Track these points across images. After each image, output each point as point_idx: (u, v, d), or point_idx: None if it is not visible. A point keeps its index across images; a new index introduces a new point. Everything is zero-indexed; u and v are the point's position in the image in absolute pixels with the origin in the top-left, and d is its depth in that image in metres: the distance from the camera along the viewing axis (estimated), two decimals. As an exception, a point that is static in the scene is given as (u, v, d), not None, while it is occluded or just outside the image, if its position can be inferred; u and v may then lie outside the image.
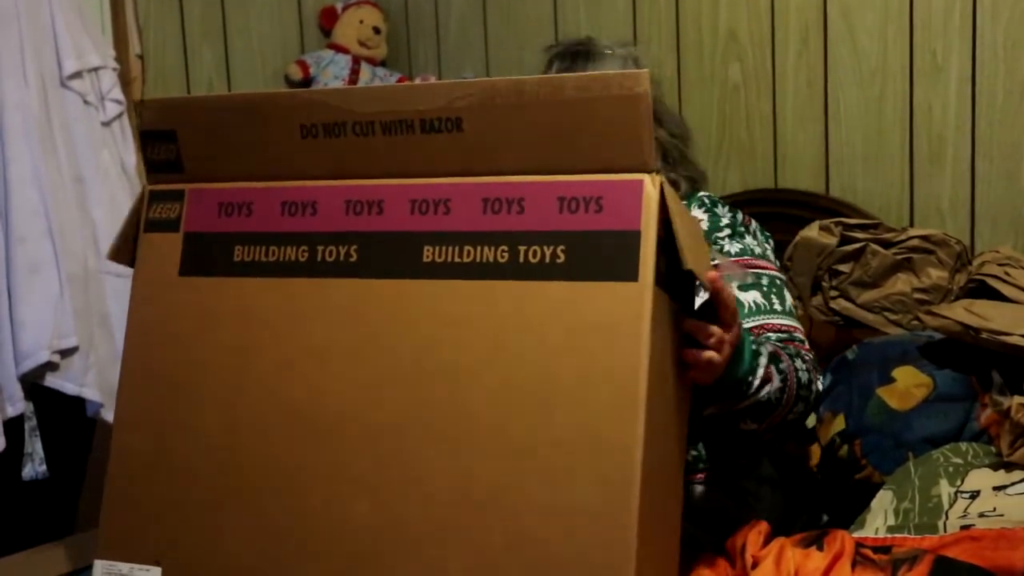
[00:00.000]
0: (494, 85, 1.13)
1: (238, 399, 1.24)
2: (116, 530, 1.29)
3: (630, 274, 1.07)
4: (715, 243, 1.60)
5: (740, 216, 1.64)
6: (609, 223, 1.09)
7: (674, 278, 1.12)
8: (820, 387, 1.50)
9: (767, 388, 1.36)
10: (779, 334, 1.51)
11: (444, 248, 1.15)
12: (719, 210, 1.64)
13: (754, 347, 1.34)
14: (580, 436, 1.07)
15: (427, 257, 1.15)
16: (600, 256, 1.08)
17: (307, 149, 1.22)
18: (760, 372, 1.34)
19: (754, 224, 1.66)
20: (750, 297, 1.54)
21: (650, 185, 1.08)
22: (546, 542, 1.08)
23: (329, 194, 1.22)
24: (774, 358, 1.39)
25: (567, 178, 1.11)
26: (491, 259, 1.12)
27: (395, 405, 1.15)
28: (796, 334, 1.54)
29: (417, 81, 2.93)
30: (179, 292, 1.29)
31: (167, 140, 1.31)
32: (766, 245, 1.65)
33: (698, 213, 1.64)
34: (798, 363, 1.44)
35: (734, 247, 1.60)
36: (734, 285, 1.53)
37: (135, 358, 1.33)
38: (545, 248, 1.11)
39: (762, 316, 1.53)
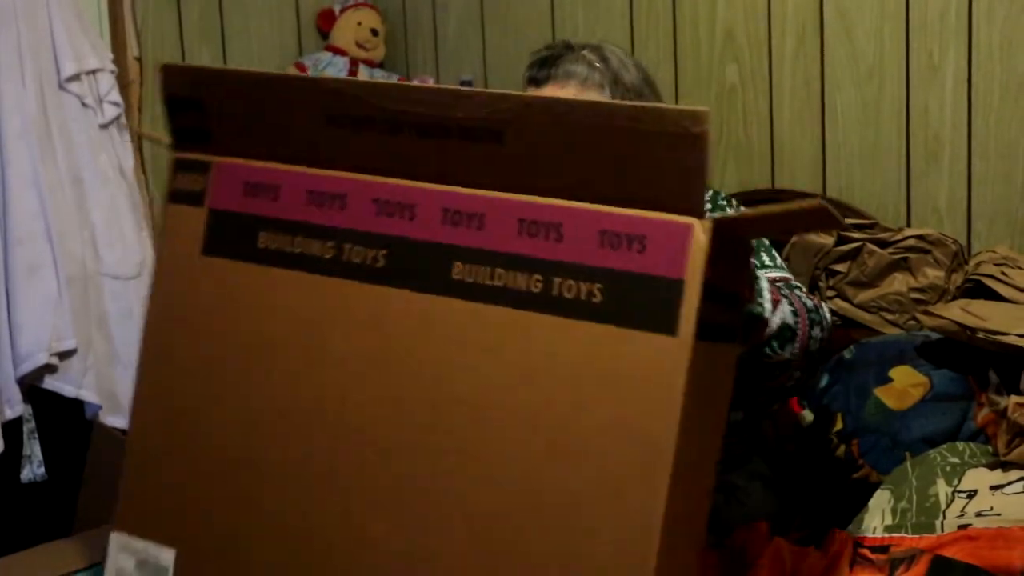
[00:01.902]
0: (540, 102, 1.06)
1: (254, 396, 1.19)
2: (134, 504, 1.27)
3: (669, 327, 0.98)
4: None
5: (723, 195, 1.66)
6: (651, 267, 0.99)
7: (719, 316, 1.03)
8: (828, 315, 1.46)
9: (780, 311, 1.33)
10: (777, 281, 1.51)
11: (475, 267, 1.07)
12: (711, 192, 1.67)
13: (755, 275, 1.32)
14: (599, 490, 1.00)
15: (456, 274, 1.08)
16: (639, 302, 1.00)
17: (333, 138, 1.16)
18: (767, 295, 1.32)
19: (735, 203, 1.68)
20: None
21: (700, 231, 0.98)
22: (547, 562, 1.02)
23: (359, 189, 1.15)
24: (771, 283, 1.37)
25: (610, 209, 1.02)
26: (524, 287, 1.04)
27: (412, 426, 1.09)
28: (792, 282, 1.52)
29: (415, 84, 2.94)
30: (201, 272, 1.24)
31: (193, 108, 1.26)
32: None
33: None
34: (796, 292, 1.43)
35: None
36: None
37: (155, 336, 1.29)
38: (581, 284, 1.02)
39: (760, 270, 1.53)
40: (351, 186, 1.16)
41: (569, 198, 1.04)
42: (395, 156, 1.13)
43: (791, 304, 1.37)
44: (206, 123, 1.25)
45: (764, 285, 1.33)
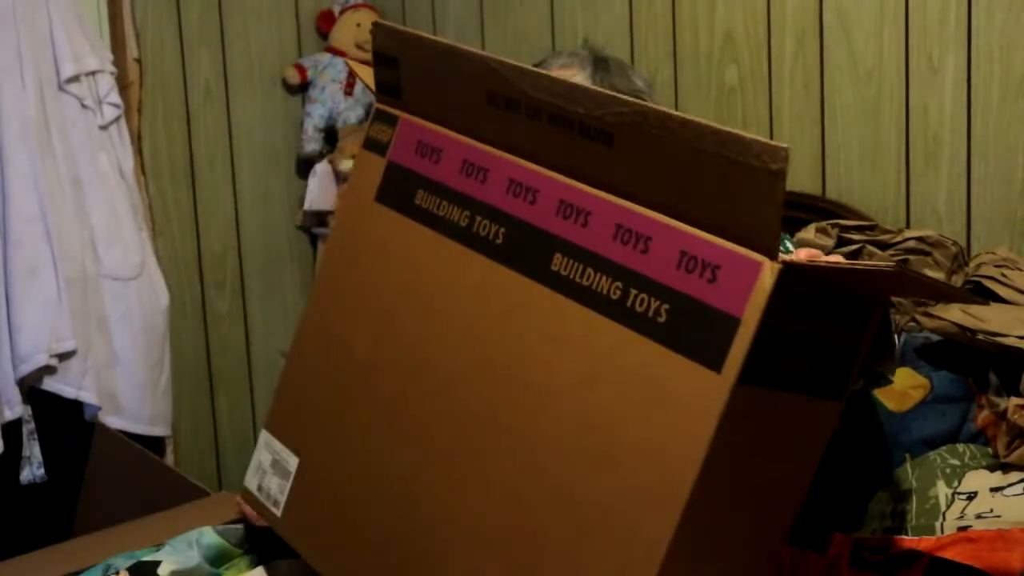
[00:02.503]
0: (646, 110, 1.05)
1: (385, 336, 1.28)
2: (281, 410, 1.41)
3: (716, 363, 0.97)
4: None
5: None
6: (716, 299, 0.98)
7: (792, 364, 1.00)
8: None
9: None
10: None
11: (572, 262, 1.10)
12: None
13: None
14: (622, 505, 1.01)
15: (555, 265, 1.11)
16: (697, 330, 0.99)
17: (488, 115, 1.21)
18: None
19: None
20: None
21: (768, 273, 0.96)
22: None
23: (499, 166, 1.20)
24: None
25: (695, 232, 1.01)
26: (604, 291, 1.06)
27: (485, 398, 1.15)
28: None
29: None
30: (369, 216, 1.34)
31: (391, 66, 1.34)
32: None
33: None
34: None
35: None
36: None
37: (327, 264, 1.42)
38: (653, 301, 1.02)
39: None
40: (493, 162, 1.21)
41: (662, 212, 1.04)
42: (530, 140, 1.17)
43: None
44: (399, 80, 1.34)
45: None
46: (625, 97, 1.08)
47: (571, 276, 1.10)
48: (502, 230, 1.18)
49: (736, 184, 0.98)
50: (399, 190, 1.31)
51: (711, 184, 1.00)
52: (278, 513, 1.35)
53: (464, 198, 1.23)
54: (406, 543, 1.19)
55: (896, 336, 1.18)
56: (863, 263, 0.94)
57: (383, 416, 1.26)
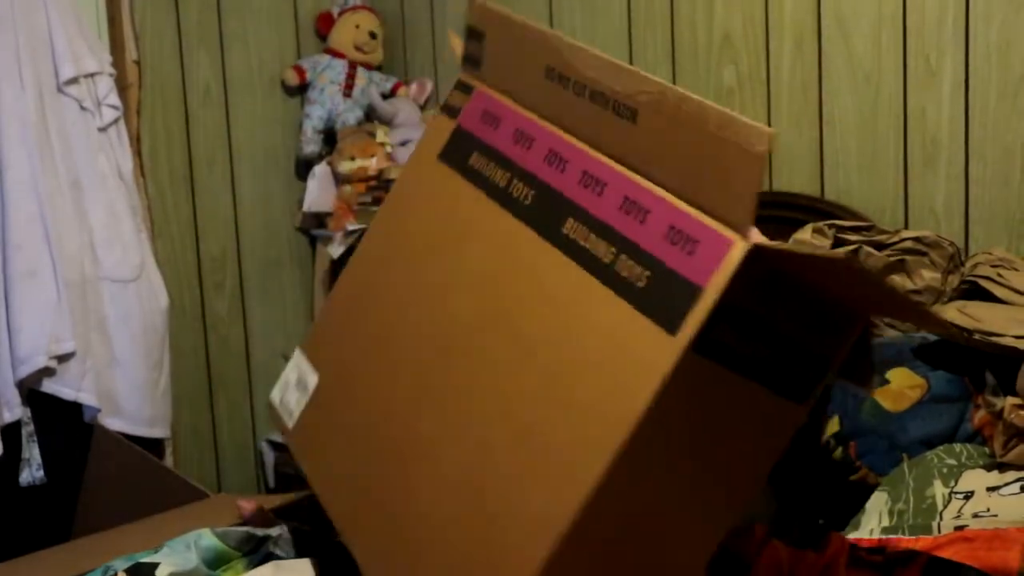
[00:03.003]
0: (667, 91, 1.11)
1: (413, 282, 1.37)
2: (316, 334, 1.53)
3: (673, 327, 1.01)
4: None
5: None
6: (688, 270, 1.03)
7: (751, 348, 1.03)
8: None
9: None
10: None
11: (581, 227, 1.16)
12: None
13: None
14: (564, 450, 1.07)
15: (566, 229, 1.18)
16: (665, 297, 1.03)
17: (544, 88, 1.29)
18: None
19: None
20: None
21: (737, 250, 0.99)
22: (494, 516, 1.10)
23: (543, 136, 1.28)
24: None
25: (687, 208, 1.06)
26: (600, 255, 1.12)
27: (486, 345, 1.22)
28: None
29: (413, 87, 2.94)
30: (431, 172, 1.43)
31: (478, 39, 1.44)
32: None
33: None
34: None
35: None
36: None
37: (384, 211, 1.53)
38: (637, 267, 1.08)
39: None
40: (540, 133, 1.29)
41: (668, 188, 1.10)
42: (573, 114, 1.25)
43: None
44: (482, 53, 1.43)
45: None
46: (654, 79, 1.13)
47: (577, 240, 1.16)
48: (532, 193, 1.25)
49: (726, 163, 1.03)
50: (459, 151, 1.39)
51: (709, 163, 1.05)
52: (290, 425, 1.43)
53: (508, 162, 1.31)
54: (380, 472, 1.26)
55: (872, 362, 1.20)
56: (822, 251, 0.98)
57: (393, 347, 1.34)
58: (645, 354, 1.03)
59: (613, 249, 1.11)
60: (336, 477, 1.34)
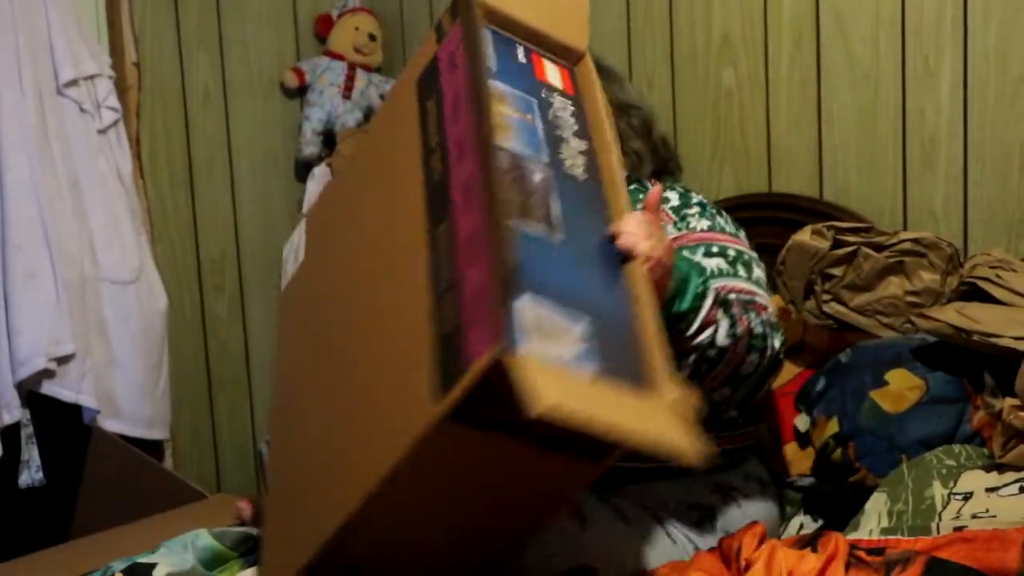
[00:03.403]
0: None
1: (335, 285, 1.47)
2: (284, 314, 1.71)
3: (446, 389, 1.07)
4: (684, 219, 1.66)
5: (711, 205, 1.72)
6: (472, 341, 1.08)
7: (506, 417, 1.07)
8: (778, 345, 1.51)
9: (708, 332, 1.40)
10: (740, 295, 1.52)
11: (446, 238, 1.18)
12: (691, 194, 1.72)
13: (700, 290, 1.39)
14: (344, 468, 1.22)
15: (439, 232, 1.19)
16: (451, 358, 1.09)
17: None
18: (702, 314, 1.38)
19: (726, 215, 1.72)
20: (713, 263, 1.58)
21: (483, 361, 1.04)
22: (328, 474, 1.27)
23: (465, 118, 1.26)
24: (724, 303, 1.43)
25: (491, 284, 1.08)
26: (441, 279, 1.16)
27: (353, 313, 1.36)
28: (758, 299, 1.55)
29: None
30: (403, 100, 1.43)
31: None
32: (739, 230, 1.70)
33: (670, 194, 1.71)
34: (752, 315, 1.47)
35: (703, 223, 1.65)
36: (699, 252, 1.58)
37: (362, 144, 1.77)
38: (453, 314, 1.11)
39: (724, 279, 1.55)
40: (465, 111, 1.29)
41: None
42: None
43: (734, 327, 1.42)
44: None
45: (706, 304, 1.39)
46: None
47: (440, 250, 1.17)
48: (439, 172, 1.24)
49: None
50: (427, 86, 1.38)
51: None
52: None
53: (441, 127, 1.29)
54: (286, 441, 1.45)
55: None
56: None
57: (311, 334, 1.50)
58: (411, 411, 1.09)
59: (448, 279, 1.13)
60: (274, 453, 1.51)
